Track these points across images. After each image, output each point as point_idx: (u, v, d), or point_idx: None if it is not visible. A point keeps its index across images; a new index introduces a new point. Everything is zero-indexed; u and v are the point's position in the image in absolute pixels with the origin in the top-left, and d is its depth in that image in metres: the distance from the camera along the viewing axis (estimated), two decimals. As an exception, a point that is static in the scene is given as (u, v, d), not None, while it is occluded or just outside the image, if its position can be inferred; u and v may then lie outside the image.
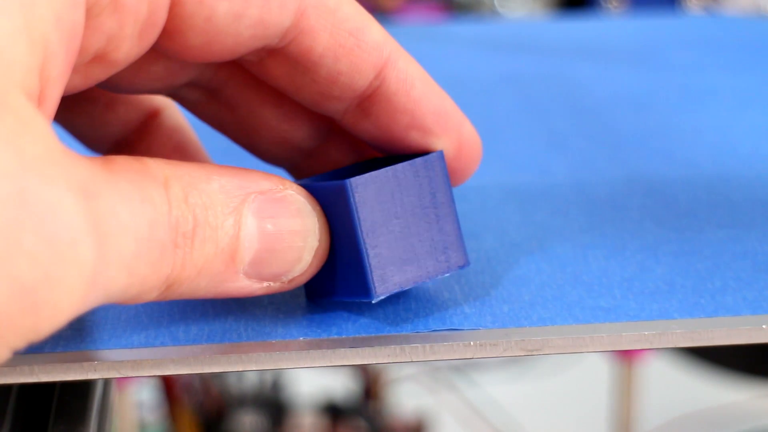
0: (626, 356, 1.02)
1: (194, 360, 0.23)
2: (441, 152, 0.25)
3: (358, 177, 0.24)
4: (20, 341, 0.19)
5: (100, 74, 0.23)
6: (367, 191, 0.24)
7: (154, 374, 0.23)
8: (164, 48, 0.23)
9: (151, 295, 0.22)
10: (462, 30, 0.62)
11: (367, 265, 0.24)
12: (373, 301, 0.24)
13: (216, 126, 0.28)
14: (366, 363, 0.24)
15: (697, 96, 0.45)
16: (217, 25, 0.23)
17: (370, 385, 1.22)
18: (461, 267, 0.25)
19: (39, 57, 0.19)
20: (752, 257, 0.28)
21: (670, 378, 1.38)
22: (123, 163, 0.21)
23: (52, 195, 0.18)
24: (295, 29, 0.24)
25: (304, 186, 0.24)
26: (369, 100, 0.25)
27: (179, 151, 0.28)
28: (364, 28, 0.24)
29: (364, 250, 0.24)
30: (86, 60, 0.22)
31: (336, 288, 0.25)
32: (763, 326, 0.24)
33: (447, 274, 0.25)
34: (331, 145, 0.28)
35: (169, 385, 1.06)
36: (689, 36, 0.57)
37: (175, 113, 0.28)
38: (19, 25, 0.19)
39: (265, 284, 0.23)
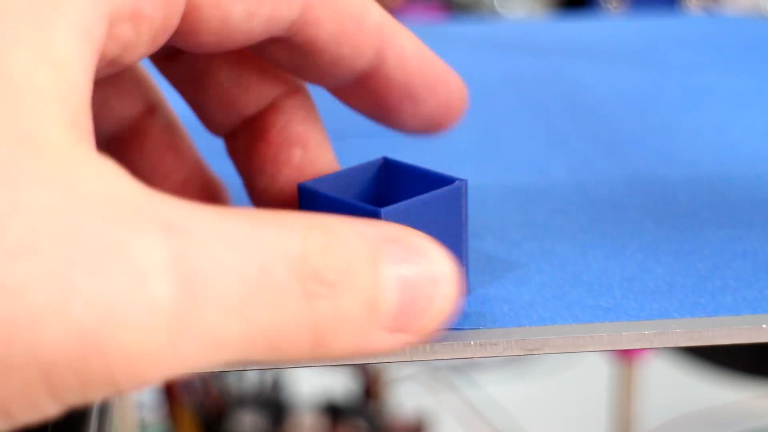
0: (626, 356, 1.02)
1: (194, 360, 0.23)
2: (465, 182, 0.25)
3: (390, 207, 0.24)
4: (94, 390, 0.18)
5: (105, 73, 0.23)
6: (396, 220, 0.24)
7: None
8: (175, 44, 0.23)
9: (299, 348, 0.20)
10: (462, 30, 0.62)
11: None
12: None
13: (170, 80, 0.27)
14: (366, 363, 0.24)
15: (697, 96, 0.45)
16: (231, 26, 0.23)
17: (370, 385, 1.22)
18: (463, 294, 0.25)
19: (77, 83, 0.19)
20: (752, 257, 0.28)
21: (670, 378, 1.38)
22: (243, 212, 0.20)
23: (112, 231, 0.17)
24: (302, 21, 0.24)
25: (321, 196, 0.25)
26: (367, 77, 0.26)
27: (172, 150, 0.28)
28: (365, 12, 0.25)
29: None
30: (101, 66, 0.22)
31: None
32: (763, 326, 0.24)
33: None
34: (270, 116, 0.27)
35: (169, 385, 1.06)
36: (689, 36, 0.57)
37: (168, 111, 0.28)
38: (38, 53, 0.18)
39: (401, 337, 0.22)
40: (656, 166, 0.36)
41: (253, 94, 0.27)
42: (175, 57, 0.27)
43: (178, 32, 0.23)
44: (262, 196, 0.27)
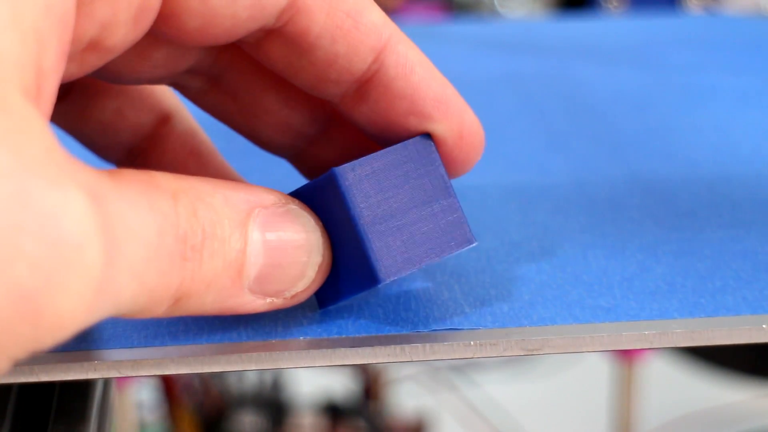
0: (626, 356, 1.02)
1: (194, 360, 0.23)
2: (428, 135, 0.25)
3: (345, 164, 0.24)
4: (21, 351, 0.18)
5: (95, 61, 0.23)
6: (357, 176, 0.24)
7: (154, 374, 0.23)
8: (161, 32, 0.23)
9: (160, 309, 0.21)
10: (462, 30, 0.62)
11: (370, 248, 0.24)
12: (380, 285, 0.24)
13: (218, 115, 0.27)
14: (366, 363, 0.24)
15: (698, 96, 0.45)
16: (213, 7, 0.23)
17: (370, 385, 1.22)
18: (468, 245, 0.25)
19: (32, 50, 0.19)
20: (752, 257, 0.28)
21: (670, 378, 1.38)
22: (129, 173, 0.21)
23: (55, 196, 0.18)
24: (291, 8, 0.23)
25: (298, 192, 0.24)
26: (367, 84, 0.25)
27: (194, 156, 0.28)
28: (363, 10, 0.24)
29: (364, 233, 0.24)
30: (80, 48, 0.22)
31: (344, 288, 0.24)
32: (763, 326, 0.24)
33: (455, 253, 0.25)
34: (334, 131, 0.27)
35: (169, 385, 1.06)
36: (689, 36, 0.57)
37: (186, 117, 0.28)
38: (6, 18, 0.18)
39: (269, 300, 0.23)
40: (656, 166, 0.36)
41: (306, 113, 0.27)
42: (214, 88, 0.27)
43: (161, 17, 0.23)
44: None
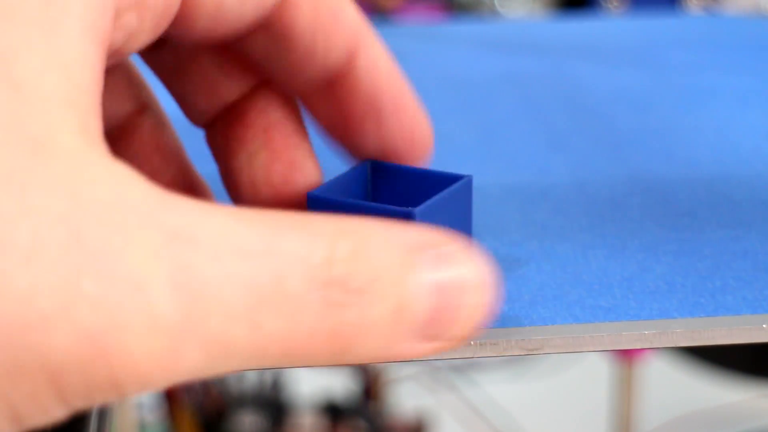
0: (626, 356, 1.02)
1: (194, 360, 0.23)
2: (471, 177, 0.26)
3: (422, 206, 0.24)
4: (100, 393, 0.18)
5: (109, 63, 0.23)
6: (425, 219, 0.24)
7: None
8: (167, 33, 0.23)
9: (317, 355, 0.20)
10: (462, 30, 0.62)
11: None
12: None
13: (154, 68, 0.27)
14: (366, 363, 0.24)
15: (697, 96, 0.45)
16: (226, 11, 0.23)
17: (370, 385, 1.22)
18: None
19: (85, 82, 0.19)
20: (752, 257, 0.28)
21: (670, 378, 1.37)
22: (265, 215, 0.20)
23: (112, 236, 0.17)
24: (282, 4, 0.24)
25: (343, 203, 0.24)
26: (335, 83, 0.25)
27: (160, 152, 0.28)
28: (343, 8, 0.24)
29: None
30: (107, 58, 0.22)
31: None
32: (763, 326, 0.24)
33: None
34: (250, 101, 0.27)
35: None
36: (689, 36, 0.57)
37: (158, 112, 0.28)
38: (46, 56, 0.18)
39: (431, 345, 0.21)
40: (656, 166, 0.36)
41: (235, 79, 0.27)
42: (160, 46, 0.27)
43: (175, 20, 0.23)
44: (237, 183, 0.27)
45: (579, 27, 0.62)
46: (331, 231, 0.20)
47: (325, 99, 0.26)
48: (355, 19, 0.25)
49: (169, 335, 0.18)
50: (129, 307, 0.17)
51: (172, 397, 1.07)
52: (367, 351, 0.21)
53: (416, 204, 0.25)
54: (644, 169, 0.36)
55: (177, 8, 0.22)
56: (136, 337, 0.18)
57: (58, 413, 0.18)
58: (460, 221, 0.26)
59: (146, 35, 0.22)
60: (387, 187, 0.27)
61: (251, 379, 1.18)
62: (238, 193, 0.27)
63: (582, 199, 0.33)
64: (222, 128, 0.27)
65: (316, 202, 0.25)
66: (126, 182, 0.18)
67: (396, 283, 0.20)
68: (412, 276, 0.20)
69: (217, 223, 0.19)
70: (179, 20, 0.23)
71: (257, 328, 0.19)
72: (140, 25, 0.22)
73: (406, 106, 0.26)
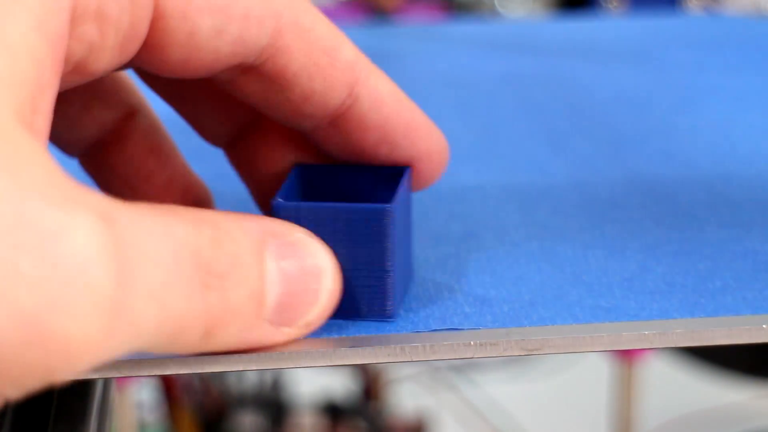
0: (626, 356, 1.02)
1: (194, 360, 0.23)
2: (410, 168, 0.26)
3: (394, 204, 0.24)
4: (34, 380, 0.17)
5: (76, 82, 0.23)
6: (395, 210, 0.24)
7: (154, 374, 0.23)
8: (142, 61, 0.23)
9: (192, 338, 0.20)
10: (462, 30, 0.62)
11: (390, 288, 0.24)
12: (391, 319, 0.25)
13: (164, 96, 0.27)
14: (366, 363, 0.24)
15: (697, 96, 0.45)
16: (199, 41, 0.23)
17: (370, 385, 1.22)
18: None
19: (24, 68, 0.19)
20: (752, 257, 0.28)
21: (670, 378, 1.38)
22: (146, 204, 0.20)
23: (56, 217, 0.17)
24: (272, 48, 0.24)
25: (316, 207, 0.24)
26: (340, 117, 0.25)
27: (154, 153, 0.28)
28: (338, 47, 0.24)
29: (390, 274, 0.24)
30: (67, 70, 0.22)
31: (350, 309, 0.25)
32: (763, 326, 0.24)
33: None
34: (268, 125, 0.27)
35: (168, 385, 1.06)
36: (689, 36, 0.57)
37: (149, 114, 0.28)
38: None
39: (286, 331, 0.23)
40: (656, 166, 0.36)
41: (246, 107, 0.27)
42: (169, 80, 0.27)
43: (146, 46, 0.23)
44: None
45: (579, 27, 0.62)
46: (194, 218, 0.21)
47: (334, 133, 0.26)
48: (352, 57, 0.25)
49: (105, 318, 0.18)
50: (71, 288, 0.17)
51: (171, 397, 1.07)
52: (229, 336, 0.21)
53: (370, 198, 0.26)
54: (644, 170, 0.36)
55: (145, 31, 0.22)
56: (75, 320, 0.17)
57: None
58: (408, 211, 0.26)
59: (112, 55, 0.22)
60: (325, 187, 0.27)
61: (251, 379, 1.18)
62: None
63: (582, 200, 0.33)
64: (244, 149, 0.28)
65: (281, 210, 0.24)
66: (52, 165, 0.18)
67: (250, 270, 0.21)
68: (263, 263, 0.22)
69: (126, 208, 0.19)
70: (151, 48, 0.23)
71: (163, 307, 0.19)
72: (102, 40, 0.21)
73: (417, 127, 0.26)
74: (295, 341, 0.23)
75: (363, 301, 0.25)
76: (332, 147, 0.26)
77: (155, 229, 0.20)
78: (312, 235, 0.23)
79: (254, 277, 0.22)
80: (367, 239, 0.24)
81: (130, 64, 0.24)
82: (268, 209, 0.26)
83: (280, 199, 0.25)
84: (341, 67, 0.24)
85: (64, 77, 0.22)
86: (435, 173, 0.27)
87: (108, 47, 0.22)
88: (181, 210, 0.21)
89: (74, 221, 0.18)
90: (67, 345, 0.17)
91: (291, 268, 0.22)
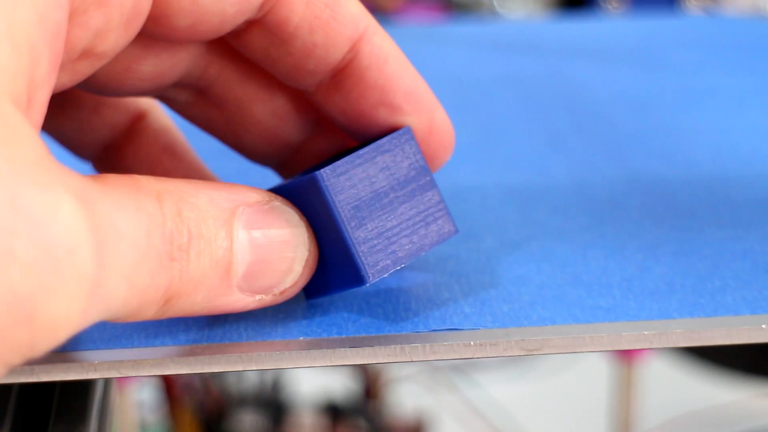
0: (626, 356, 1.02)
1: (194, 360, 0.23)
2: (408, 128, 0.25)
3: (327, 167, 0.24)
4: (17, 356, 0.18)
5: (87, 69, 0.23)
6: (340, 179, 0.24)
7: (154, 374, 0.23)
8: (150, 32, 0.23)
9: (150, 311, 0.21)
10: (462, 30, 0.62)
11: (355, 252, 0.24)
12: (367, 285, 0.24)
13: (204, 126, 0.27)
14: (366, 363, 0.24)
15: (697, 96, 0.45)
16: (203, 5, 0.23)
17: (370, 385, 1.22)
18: (451, 235, 0.25)
19: (24, 60, 0.19)
20: (752, 257, 0.28)
21: (670, 378, 1.37)
22: (113, 177, 0.21)
23: (47, 200, 0.18)
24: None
25: (279, 189, 0.24)
26: (342, 73, 0.25)
27: (168, 152, 0.28)
28: (341, 0, 0.24)
29: (349, 238, 0.24)
30: (74, 57, 0.22)
31: (331, 283, 0.25)
32: (763, 326, 0.24)
33: (438, 245, 0.25)
34: (318, 139, 0.27)
35: (169, 385, 1.06)
36: (689, 36, 0.57)
37: (160, 114, 0.28)
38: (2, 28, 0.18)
39: (258, 297, 0.23)
40: (656, 167, 0.36)
41: (292, 122, 0.27)
42: (201, 99, 0.27)
43: (151, 17, 0.23)
44: None
45: (578, 27, 0.62)
46: (158, 190, 0.21)
47: (335, 92, 0.25)
48: (355, 11, 0.24)
49: (85, 297, 0.18)
50: (60, 271, 0.18)
51: (172, 396, 1.07)
52: (193, 303, 0.22)
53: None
54: (644, 170, 0.36)
55: (149, 6, 0.22)
56: (61, 301, 0.18)
57: None
58: (406, 176, 0.25)
59: (118, 34, 0.22)
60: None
61: (251, 379, 1.18)
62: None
63: (581, 200, 0.33)
64: (296, 168, 0.28)
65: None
66: (41, 146, 0.19)
67: (216, 238, 0.22)
68: (229, 232, 0.22)
69: (99, 187, 0.20)
70: (157, 19, 0.23)
71: (132, 284, 0.20)
72: (107, 23, 0.21)
73: (419, 91, 0.25)
74: (268, 305, 0.24)
75: (339, 273, 0.24)
76: (333, 107, 0.26)
77: (128, 206, 0.20)
78: (289, 203, 0.24)
79: (218, 246, 0.22)
80: (318, 211, 0.24)
81: (138, 38, 0.24)
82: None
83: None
84: (343, 21, 0.24)
85: (74, 66, 0.22)
86: (439, 150, 0.26)
87: (113, 29, 0.22)
88: (147, 182, 0.21)
89: (60, 204, 0.18)
90: (51, 324, 0.18)
91: (263, 236, 0.23)
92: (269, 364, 0.23)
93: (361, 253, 0.24)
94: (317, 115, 0.27)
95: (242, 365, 0.23)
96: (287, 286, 0.23)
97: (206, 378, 1.12)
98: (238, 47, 0.25)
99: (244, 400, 1.15)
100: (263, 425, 1.14)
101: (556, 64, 0.51)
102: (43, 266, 0.17)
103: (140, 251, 0.20)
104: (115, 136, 0.28)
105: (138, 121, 0.28)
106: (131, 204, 0.20)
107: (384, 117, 0.25)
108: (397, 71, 0.25)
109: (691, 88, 0.46)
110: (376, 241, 0.24)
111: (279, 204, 0.23)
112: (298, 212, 0.24)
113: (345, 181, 0.24)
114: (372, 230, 0.24)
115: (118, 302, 0.20)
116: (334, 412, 1.18)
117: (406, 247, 0.25)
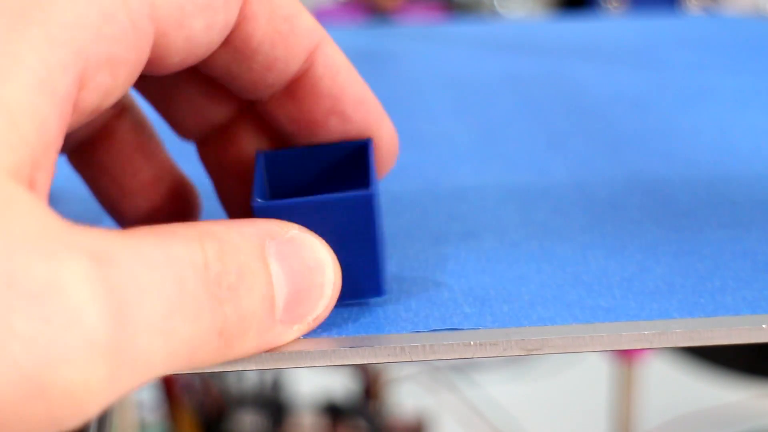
0: (626, 356, 1.02)
1: (194, 360, 0.23)
2: (371, 140, 0.26)
3: (373, 187, 0.24)
4: (36, 430, 0.18)
5: (83, 121, 0.23)
6: (376, 197, 0.25)
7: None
8: (142, 74, 0.23)
9: (210, 357, 0.21)
10: (462, 30, 0.62)
11: (381, 268, 0.25)
12: (383, 296, 0.25)
13: (139, 90, 0.28)
14: (366, 363, 0.24)
15: (697, 96, 0.45)
16: (194, 42, 0.23)
17: (370, 385, 1.22)
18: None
19: (24, 128, 0.19)
20: (752, 257, 0.28)
21: (670, 378, 1.38)
22: (144, 230, 0.20)
23: (46, 269, 0.18)
24: (240, 16, 0.24)
25: (298, 203, 0.24)
26: (295, 84, 0.26)
27: (142, 150, 0.28)
28: (298, 14, 0.25)
29: (379, 255, 0.25)
30: (83, 119, 0.22)
31: (345, 292, 0.25)
32: (763, 326, 0.24)
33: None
34: (243, 123, 0.28)
35: (169, 385, 1.06)
36: (689, 36, 0.57)
37: (138, 112, 0.28)
38: None
39: (296, 328, 0.23)
40: (656, 167, 0.36)
41: (222, 104, 0.27)
42: (143, 76, 0.27)
43: (147, 62, 0.23)
44: (233, 199, 0.28)
45: (579, 27, 0.62)
46: (198, 233, 0.21)
47: (288, 102, 0.26)
48: (310, 25, 0.25)
49: (106, 362, 0.18)
50: (66, 340, 0.17)
51: (172, 397, 1.07)
52: (249, 342, 0.22)
53: (340, 180, 0.26)
54: (644, 170, 0.36)
55: (148, 54, 0.22)
56: (74, 369, 0.18)
57: None
58: (376, 183, 0.26)
59: (122, 89, 0.22)
60: (290, 171, 0.27)
61: (251, 379, 1.18)
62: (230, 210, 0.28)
63: (582, 200, 0.33)
64: (214, 147, 0.28)
65: (264, 211, 0.24)
66: (44, 212, 0.19)
67: (258, 275, 0.22)
68: (268, 266, 0.22)
69: (122, 241, 0.19)
70: (153, 62, 0.23)
71: (170, 337, 0.19)
72: (115, 82, 0.22)
73: (368, 100, 0.26)
74: (300, 338, 0.24)
75: (356, 283, 0.25)
76: (284, 116, 0.26)
77: (154, 256, 0.20)
78: (305, 229, 0.24)
79: (262, 281, 0.22)
80: (352, 225, 0.24)
81: None
82: (231, 205, 0.26)
83: (258, 200, 0.25)
84: (300, 34, 0.25)
85: (75, 122, 0.22)
86: (388, 157, 0.27)
87: (120, 86, 0.22)
88: (182, 228, 0.21)
89: (64, 270, 0.18)
90: (70, 394, 0.18)
91: (294, 266, 0.23)
92: (269, 364, 0.23)
93: (384, 269, 0.25)
94: (243, 103, 0.28)
95: (242, 365, 0.23)
96: (320, 311, 0.24)
97: (206, 378, 1.12)
98: (202, 67, 0.25)
99: (244, 400, 1.15)
100: (263, 425, 1.14)
101: (556, 63, 0.51)
102: (45, 338, 0.17)
103: (171, 300, 0.19)
104: (92, 132, 0.28)
105: (117, 118, 0.28)
106: (159, 255, 0.20)
107: (334, 125, 0.26)
108: (348, 82, 0.26)
109: (691, 87, 0.46)
110: (385, 256, 0.25)
111: (297, 232, 0.23)
112: (318, 237, 0.24)
113: (376, 196, 0.25)
114: (384, 246, 0.25)
115: (158, 358, 0.19)
116: (334, 412, 1.18)
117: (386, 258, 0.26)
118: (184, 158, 0.30)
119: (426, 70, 0.51)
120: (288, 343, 0.23)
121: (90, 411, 0.18)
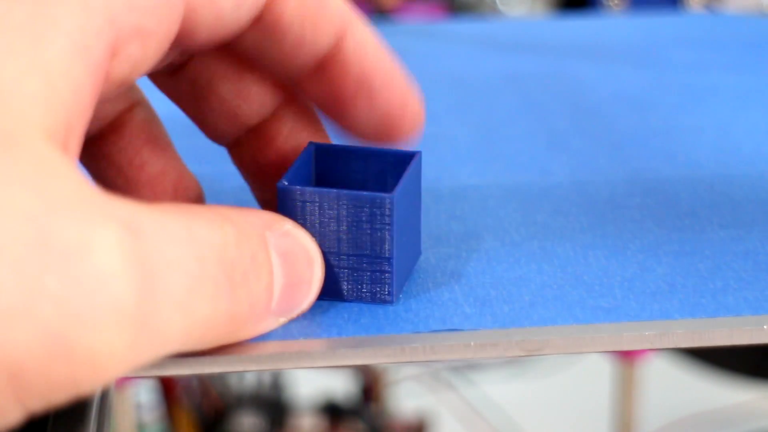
0: (627, 356, 1.02)
1: (194, 360, 0.23)
2: (419, 153, 0.26)
3: (396, 192, 0.25)
4: (58, 394, 0.18)
5: (112, 93, 0.23)
6: (396, 202, 0.25)
7: (154, 374, 0.23)
8: (170, 47, 0.24)
9: (217, 338, 0.21)
10: (462, 29, 0.62)
11: (393, 275, 0.25)
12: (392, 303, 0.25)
13: (172, 97, 0.28)
14: (366, 363, 0.24)
15: (699, 95, 0.45)
16: (223, 19, 0.23)
17: (370, 386, 1.22)
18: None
19: (60, 92, 0.19)
20: (753, 257, 0.28)
21: (671, 379, 1.38)
22: (169, 205, 0.21)
23: (81, 233, 0.18)
24: None
25: (320, 192, 0.25)
26: (325, 65, 0.26)
27: (149, 145, 0.28)
28: None
29: (390, 261, 0.25)
30: (112, 90, 0.22)
31: (348, 291, 0.25)
32: (765, 327, 0.24)
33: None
34: (274, 125, 0.28)
35: (168, 386, 1.06)
36: (690, 35, 0.57)
37: (147, 107, 0.28)
38: (31, 62, 0.19)
39: (282, 320, 0.23)
40: (657, 166, 0.36)
41: (254, 104, 0.27)
42: (176, 74, 0.27)
43: (177, 37, 0.23)
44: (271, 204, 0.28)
45: (580, 26, 0.62)
46: (219, 216, 0.21)
47: (318, 81, 0.26)
48: (340, 5, 0.25)
49: (130, 331, 0.18)
50: (95, 303, 0.18)
51: (170, 397, 1.07)
52: (248, 329, 0.22)
53: (378, 184, 0.26)
54: (645, 169, 0.36)
55: (177, 30, 0.23)
56: (100, 334, 0.18)
57: (13, 416, 0.18)
58: (415, 195, 0.26)
59: (151, 62, 0.22)
60: (337, 168, 0.27)
61: (251, 380, 1.18)
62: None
63: (582, 200, 0.33)
64: (249, 151, 0.28)
65: (287, 193, 0.25)
66: (79, 178, 0.19)
67: (264, 263, 0.22)
68: (269, 256, 0.22)
69: (151, 214, 0.20)
70: (181, 37, 0.23)
71: (189, 314, 0.20)
72: (144, 54, 0.22)
73: (396, 81, 0.26)
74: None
75: (364, 286, 0.25)
76: (316, 97, 0.27)
77: (179, 233, 0.20)
78: (298, 225, 0.24)
79: (268, 270, 0.22)
80: (368, 226, 0.24)
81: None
82: (267, 205, 0.26)
83: (285, 182, 0.25)
84: (330, 14, 0.25)
85: (105, 93, 0.22)
86: (407, 127, 0.27)
87: (149, 58, 0.22)
88: (203, 210, 0.21)
89: (97, 235, 0.18)
90: (92, 358, 0.18)
91: (289, 260, 0.23)
92: (268, 364, 0.23)
93: (395, 277, 0.25)
94: (276, 102, 0.28)
95: (242, 366, 0.23)
96: (304, 306, 0.24)
97: (205, 378, 1.12)
98: (234, 46, 0.26)
99: (243, 401, 1.15)
100: (263, 426, 1.14)
101: (557, 62, 0.51)
102: (76, 299, 0.17)
103: (193, 278, 0.20)
104: (104, 125, 0.28)
105: (128, 111, 0.28)
106: (183, 232, 0.20)
107: (363, 106, 0.26)
108: (376, 63, 0.26)
109: (693, 86, 0.46)
110: (399, 263, 0.25)
111: (291, 227, 0.24)
112: (307, 234, 0.24)
113: (396, 202, 0.25)
114: (399, 252, 0.25)
115: (176, 333, 0.19)
116: (333, 412, 1.18)
117: (408, 267, 0.26)
118: (187, 158, 0.29)
119: (426, 69, 0.50)
120: (288, 343, 0.23)
121: (108, 377, 0.18)
